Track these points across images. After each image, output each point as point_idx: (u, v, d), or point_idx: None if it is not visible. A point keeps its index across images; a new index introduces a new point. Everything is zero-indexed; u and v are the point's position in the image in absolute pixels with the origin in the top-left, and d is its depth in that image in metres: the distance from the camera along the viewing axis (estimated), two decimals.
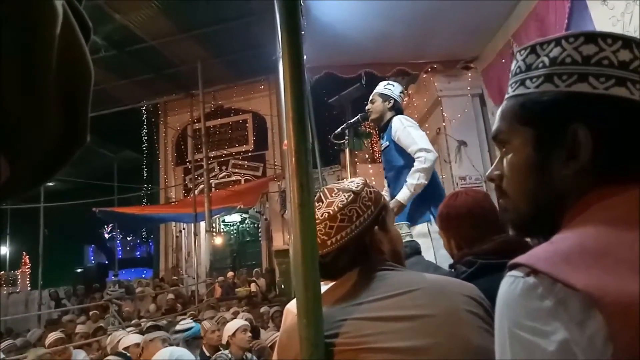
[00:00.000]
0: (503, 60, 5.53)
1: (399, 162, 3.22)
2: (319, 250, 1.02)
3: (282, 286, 10.20)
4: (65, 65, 0.36)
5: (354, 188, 1.12)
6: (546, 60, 0.65)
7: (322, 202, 1.14)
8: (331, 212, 1.09)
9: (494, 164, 0.73)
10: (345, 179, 1.18)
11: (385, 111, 3.33)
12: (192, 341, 3.77)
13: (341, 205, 1.09)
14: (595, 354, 0.46)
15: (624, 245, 0.51)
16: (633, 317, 0.45)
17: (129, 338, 3.62)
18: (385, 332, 0.91)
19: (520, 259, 0.55)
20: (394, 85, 3.44)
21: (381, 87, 3.42)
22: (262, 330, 5.23)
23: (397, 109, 3.36)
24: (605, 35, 0.62)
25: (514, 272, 0.55)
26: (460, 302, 0.96)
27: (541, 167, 0.65)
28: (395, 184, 3.22)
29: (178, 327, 3.79)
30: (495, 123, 0.72)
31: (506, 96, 0.71)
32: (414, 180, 2.95)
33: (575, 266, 0.50)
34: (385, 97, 3.36)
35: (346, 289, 1.00)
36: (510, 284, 0.54)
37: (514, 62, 0.70)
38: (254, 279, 10.75)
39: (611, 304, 0.46)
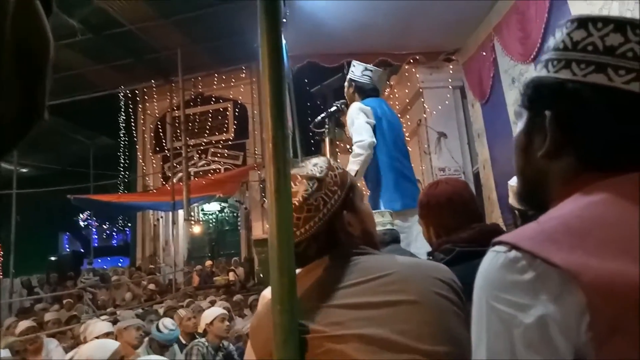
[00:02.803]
0: (484, 53, 5.57)
1: None
2: None
3: (261, 275, 10.20)
4: (22, 35, 0.34)
5: (317, 174, 1.07)
6: (551, 44, 0.67)
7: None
8: (297, 204, 1.04)
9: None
10: (308, 161, 1.11)
11: (351, 96, 3.26)
12: (164, 347, 3.68)
13: (306, 195, 1.05)
14: (570, 328, 0.47)
15: (607, 226, 0.52)
16: (612, 294, 0.46)
17: (98, 326, 3.55)
18: (356, 319, 0.90)
19: (503, 236, 0.56)
20: (355, 66, 3.31)
21: (348, 73, 3.36)
22: (239, 319, 5.21)
23: (360, 89, 3.23)
24: (596, 20, 0.61)
25: (496, 248, 0.55)
26: (432, 285, 0.95)
27: (526, 149, 0.69)
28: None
29: (160, 326, 3.69)
30: None
31: None
32: (354, 160, 2.94)
33: (558, 245, 0.51)
34: (349, 83, 3.30)
35: (317, 276, 0.98)
36: (492, 258, 0.55)
37: None
38: (232, 268, 10.72)
39: (592, 281, 0.47)
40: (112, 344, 2.48)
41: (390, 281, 0.94)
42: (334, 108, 3.20)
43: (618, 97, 0.59)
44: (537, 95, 0.66)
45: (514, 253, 0.52)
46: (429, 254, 1.59)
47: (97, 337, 3.51)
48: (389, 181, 2.98)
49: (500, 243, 0.55)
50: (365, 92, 3.22)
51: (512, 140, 0.75)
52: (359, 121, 3.03)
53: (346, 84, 3.34)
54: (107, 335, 3.55)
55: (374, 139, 2.95)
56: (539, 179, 0.67)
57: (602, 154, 0.60)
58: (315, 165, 1.09)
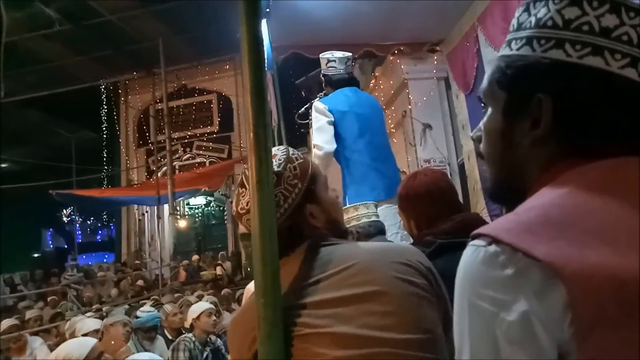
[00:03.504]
0: (467, 44, 5.58)
1: None
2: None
3: (249, 269, 10.17)
4: None
5: (275, 168, 1.04)
6: (533, 20, 0.61)
7: (246, 189, 1.07)
8: None
9: (479, 125, 0.71)
10: None
11: (326, 89, 3.18)
12: (148, 332, 3.65)
13: None
14: (553, 324, 0.46)
15: (588, 214, 0.50)
16: (595, 288, 0.45)
17: (87, 324, 3.51)
18: (323, 318, 0.89)
19: (482, 229, 0.54)
20: (321, 61, 3.20)
21: None
22: (227, 313, 5.20)
23: (330, 82, 3.13)
24: None
25: (475, 242, 0.53)
26: (396, 272, 0.93)
27: (507, 135, 0.63)
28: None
29: (138, 313, 3.70)
30: (483, 82, 0.69)
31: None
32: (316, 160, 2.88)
33: (538, 237, 0.49)
34: (322, 77, 3.21)
35: (283, 275, 0.95)
36: (471, 253, 0.53)
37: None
38: (219, 262, 10.67)
39: (573, 275, 0.45)
40: (90, 341, 2.47)
41: (354, 272, 0.93)
42: (317, 99, 3.17)
43: (613, 83, 0.56)
44: (523, 76, 0.60)
45: (493, 247, 0.50)
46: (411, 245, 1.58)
47: (85, 335, 3.48)
48: (355, 176, 2.94)
49: (479, 236, 0.53)
50: (335, 83, 3.11)
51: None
52: (316, 124, 2.95)
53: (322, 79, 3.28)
54: (95, 332, 3.52)
55: (329, 147, 2.88)
56: (519, 167, 0.63)
57: (590, 140, 0.58)
58: (274, 157, 1.06)
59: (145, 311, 3.76)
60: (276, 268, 0.92)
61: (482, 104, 0.70)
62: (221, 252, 11.94)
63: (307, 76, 10.33)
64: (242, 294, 6.61)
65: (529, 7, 0.63)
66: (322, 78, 3.17)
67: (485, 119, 0.68)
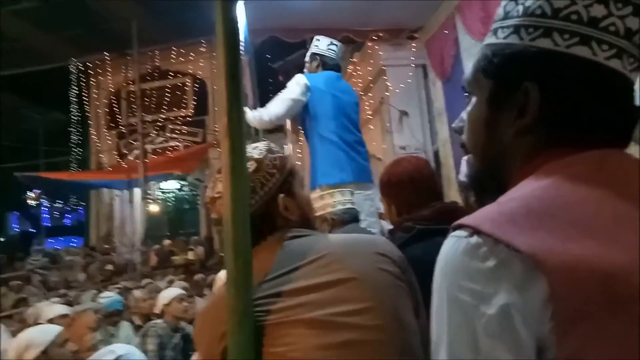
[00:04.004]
0: (446, 32, 5.60)
1: (304, 122, 3.17)
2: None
3: (221, 254, 10.11)
4: None
5: (256, 156, 1.06)
6: (520, 9, 0.60)
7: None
8: None
9: (461, 115, 0.71)
10: (248, 145, 1.11)
11: (315, 70, 3.21)
12: (110, 317, 3.58)
13: None
14: (534, 318, 0.45)
15: (571, 206, 0.50)
16: (578, 281, 0.44)
17: (52, 309, 3.40)
18: (298, 305, 0.89)
19: (463, 220, 0.53)
20: (319, 40, 3.29)
21: (310, 47, 3.32)
22: (199, 299, 5.14)
23: (326, 64, 3.20)
24: None
25: (456, 233, 0.53)
26: (369, 260, 0.96)
27: (492, 124, 0.63)
28: (308, 145, 3.20)
29: (97, 300, 3.62)
30: (467, 71, 0.69)
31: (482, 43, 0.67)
32: (252, 116, 3.07)
33: (520, 227, 0.48)
34: (312, 57, 3.26)
35: (256, 264, 0.94)
36: (452, 244, 0.52)
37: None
38: (192, 247, 10.56)
39: (555, 267, 0.45)
40: (55, 328, 2.39)
41: (328, 262, 0.94)
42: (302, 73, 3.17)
43: (599, 73, 0.56)
44: (510, 65, 0.59)
45: (475, 239, 0.50)
46: (390, 231, 1.60)
47: (50, 320, 3.38)
48: (325, 156, 2.99)
49: (460, 227, 0.52)
50: (325, 65, 3.20)
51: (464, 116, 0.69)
52: (286, 95, 3.05)
53: (308, 58, 3.28)
54: (61, 317, 3.42)
55: (270, 121, 3.05)
56: (503, 157, 0.62)
57: (575, 130, 0.57)
58: (255, 148, 1.09)
59: (106, 296, 3.67)
60: (248, 257, 0.89)
61: (466, 93, 0.69)
62: (194, 237, 11.81)
63: (286, 60, 10.22)
64: (214, 280, 6.57)
65: None
66: (316, 56, 3.22)
67: (469, 108, 0.67)
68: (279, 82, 10.13)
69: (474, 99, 0.66)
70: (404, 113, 6.37)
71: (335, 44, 3.28)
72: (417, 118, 6.46)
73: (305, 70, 3.28)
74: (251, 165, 1.04)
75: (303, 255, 0.96)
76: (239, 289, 0.88)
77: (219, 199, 1.07)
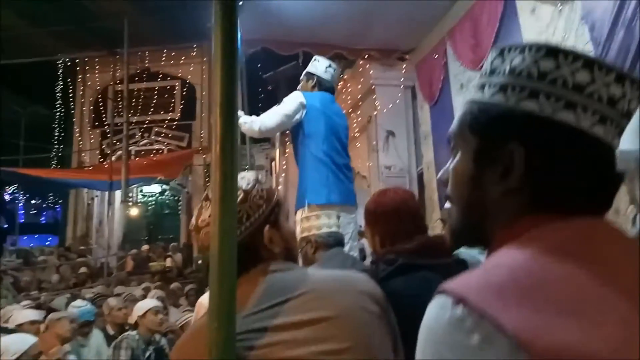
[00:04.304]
0: (436, 56, 5.67)
1: (296, 139, 3.19)
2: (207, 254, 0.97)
3: (200, 262, 9.98)
4: None
5: (244, 186, 1.06)
6: (507, 68, 0.61)
7: (210, 202, 1.07)
8: None
9: (446, 166, 0.71)
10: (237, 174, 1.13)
11: (308, 91, 3.24)
12: (82, 327, 3.48)
13: None
14: None
15: (557, 282, 0.50)
16: None
17: (22, 314, 3.30)
18: (279, 342, 0.89)
19: (450, 285, 0.52)
20: (318, 62, 3.34)
21: (308, 66, 3.36)
22: (174, 309, 5.06)
23: (322, 85, 3.24)
24: (567, 52, 0.58)
25: (442, 299, 0.52)
26: (351, 299, 0.96)
27: (476, 181, 0.63)
28: (297, 160, 3.22)
29: (70, 308, 3.52)
30: (453, 123, 0.69)
31: (468, 98, 0.67)
32: (244, 121, 3.11)
33: (507, 303, 0.48)
34: (309, 76, 3.29)
35: (239, 297, 0.92)
36: (437, 311, 0.52)
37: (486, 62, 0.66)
38: (170, 253, 10.41)
39: (540, 351, 0.44)
40: (30, 339, 2.35)
41: (310, 298, 0.94)
42: (299, 90, 3.19)
43: (583, 139, 0.56)
44: (496, 125, 0.60)
45: (460, 310, 0.49)
46: (372, 262, 1.59)
47: (19, 325, 3.29)
48: (315, 175, 3.01)
49: (446, 292, 0.52)
50: (323, 87, 3.24)
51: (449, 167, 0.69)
52: (282, 107, 3.08)
53: (304, 77, 3.29)
54: (32, 323, 3.33)
55: (260, 131, 3.09)
56: (487, 214, 0.62)
57: (559, 195, 0.58)
58: (242, 178, 1.08)
59: (78, 306, 3.58)
60: (233, 290, 0.88)
61: (451, 146, 0.69)
62: (172, 243, 11.64)
63: (276, 71, 10.24)
64: (191, 289, 6.46)
65: (503, 53, 0.63)
66: (312, 76, 3.26)
67: (455, 161, 0.67)
68: (268, 93, 10.14)
69: (459, 153, 0.66)
70: (390, 133, 6.42)
71: (333, 67, 3.32)
72: (403, 139, 6.51)
73: (299, 87, 3.30)
74: (238, 196, 1.03)
75: (286, 290, 0.96)
76: (222, 323, 0.86)
77: (205, 227, 1.06)
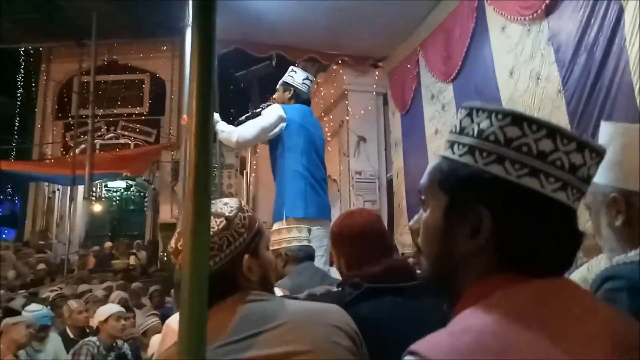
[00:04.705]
0: (408, 66, 5.76)
1: (275, 151, 3.19)
2: None
3: (165, 259, 9.79)
4: None
5: (227, 213, 1.05)
6: (475, 129, 0.64)
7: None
8: None
9: (416, 217, 0.74)
10: (220, 200, 1.11)
11: (285, 101, 3.24)
12: (37, 332, 3.32)
13: (212, 233, 1.02)
14: None
15: (521, 347, 0.52)
16: None
17: None
18: None
19: (422, 346, 0.54)
20: (295, 72, 3.33)
21: (285, 76, 3.35)
22: (137, 311, 4.95)
23: (299, 97, 3.24)
24: (531, 121, 0.61)
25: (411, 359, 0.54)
26: (325, 333, 0.97)
27: (446, 235, 0.66)
28: (274, 172, 3.21)
29: (24, 313, 3.34)
30: (423, 176, 0.72)
31: (439, 152, 0.70)
32: (222, 129, 3.12)
33: None
34: (286, 87, 3.29)
35: (213, 326, 0.93)
36: None
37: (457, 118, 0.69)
38: (134, 251, 10.17)
39: None
40: None
41: (284, 331, 0.95)
42: (259, 109, 3.17)
43: (546, 204, 0.60)
44: (465, 186, 0.63)
45: None
46: (338, 284, 1.58)
47: None
48: (294, 188, 3.02)
49: (417, 354, 0.53)
50: (300, 99, 3.24)
51: (420, 214, 0.71)
52: (262, 120, 3.07)
53: (280, 87, 3.28)
54: None
55: (240, 143, 3.12)
56: (455, 269, 0.65)
57: (524, 256, 0.61)
58: (226, 204, 1.08)
59: (33, 310, 3.42)
60: (203, 328, 0.87)
61: (421, 199, 0.72)
62: (137, 241, 11.39)
63: (248, 70, 10.14)
64: (155, 290, 6.32)
65: (471, 113, 0.66)
66: (290, 87, 3.26)
67: (426, 215, 0.70)
68: (239, 92, 10.03)
69: (429, 207, 0.69)
70: (361, 138, 6.48)
71: (310, 79, 3.34)
72: (374, 145, 6.58)
73: (275, 96, 3.29)
74: (220, 223, 1.03)
75: (261, 321, 0.96)
76: (191, 356, 0.86)
77: (183, 251, 1.06)
